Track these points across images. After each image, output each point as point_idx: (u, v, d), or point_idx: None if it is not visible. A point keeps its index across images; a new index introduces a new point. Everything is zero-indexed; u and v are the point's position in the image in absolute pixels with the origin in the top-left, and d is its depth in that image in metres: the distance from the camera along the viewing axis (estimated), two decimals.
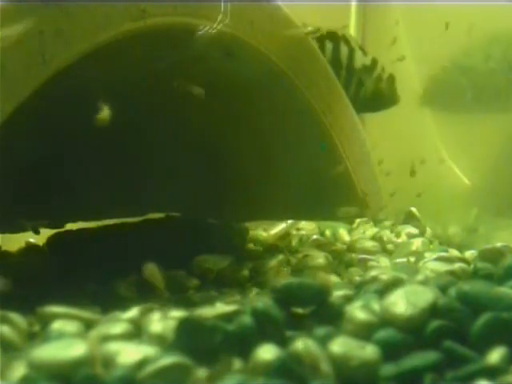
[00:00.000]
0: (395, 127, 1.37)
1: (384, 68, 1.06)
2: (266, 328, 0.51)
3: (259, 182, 0.98)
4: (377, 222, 1.14)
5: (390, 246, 0.99)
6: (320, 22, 1.00)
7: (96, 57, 0.69)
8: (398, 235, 1.04)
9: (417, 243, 0.95)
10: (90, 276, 0.85)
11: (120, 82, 0.81)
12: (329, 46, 1.02)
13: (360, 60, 1.04)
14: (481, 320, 0.52)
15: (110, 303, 0.65)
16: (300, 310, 0.55)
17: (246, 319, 0.51)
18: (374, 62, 1.05)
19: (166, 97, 0.88)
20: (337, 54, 1.03)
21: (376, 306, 0.54)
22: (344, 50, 1.03)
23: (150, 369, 0.47)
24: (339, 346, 0.50)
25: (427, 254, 0.87)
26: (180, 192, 1.01)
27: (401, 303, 0.53)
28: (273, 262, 0.92)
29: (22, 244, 1.08)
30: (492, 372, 0.49)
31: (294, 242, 1.07)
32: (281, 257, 0.94)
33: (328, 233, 1.13)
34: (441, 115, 1.40)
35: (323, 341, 0.50)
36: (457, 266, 0.71)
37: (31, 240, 1.09)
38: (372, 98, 1.05)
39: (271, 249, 1.02)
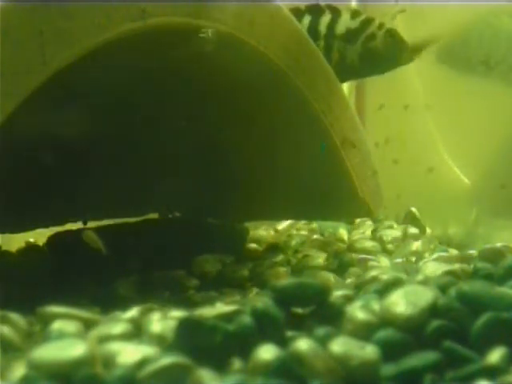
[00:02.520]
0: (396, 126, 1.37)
1: (382, 24, 1.00)
2: (266, 328, 0.51)
3: (259, 181, 0.98)
4: (377, 222, 1.14)
5: (390, 246, 0.99)
6: None
7: (96, 57, 0.69)
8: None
9: (417, 243, 0.95)
10: (90, 276, 0.85)
11: (120, 82, 0.81)
12: (307, 19, 1.00)
13: (345, 25, 1.01)
14: (481, 320, 0.52)
15: (109, 303, 0.65)
16: (300, 310, 0.55)
17: (246, 319, 0.51)
18: (366, 21, 1.00)
19: (167, 97, 0.88)
20: (315, 25, 1.00)
21: (376, 306, 0.54)
22: (325, 19, 1.00)
23: (150, 369, 0.47)
24: (339, 345, 0.49)
25: (427, 254, 0.87)
26: (180, 192, 1.01)
27: (401, 303, 0.53)
28: (273, 262, 0.92)
29: (22, 244, 1.08)
30: (492, 372, 0.49)
31: (294, 242, 1.07)
32: (281, 257, 0.94)
33: (328, 233, 1.12)
34: (454, 75, 1.35)
35: (323, 341, 0.50)
36: (457, 266, 0.71)
37: (31, 240, 1.09)
38: (362, 60, 1.00)
39: (271, 249, 1.02)
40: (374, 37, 0.99)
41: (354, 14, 1.01)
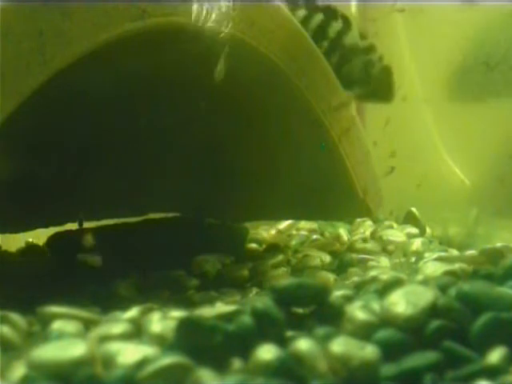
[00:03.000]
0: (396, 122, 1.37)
1: (382, 58, 1.02)
2: (266, 328, 0.51)
3: (259, 181, 0.98)
4: (377, 222, 1.14)
5: (390, 246, 0.99)
6: None
7: (96, 57, 0.69)
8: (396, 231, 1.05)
9: (417, 243, 0.95)
10: (90, 276, 0.85)
11: (120, 82, 0.81)
12: (319, 17, 1.01)
13: (352, 39, 1.02)
14: (481, 320, 0.52)
15: (109, 303, 0.65)
16: (300, 310, 0.55)
17: (246, 319, 0.51)
18: (371, 48, 1.02)
19: (166, 97, 0.88)
20: (326, 25, 1.01)
21: (376, 306, 0.54)
22: (336, 25, 1.02)
23: (150, 369, 0.47)
24: (339, 345, 0.49)
25: (427, 254, 0.87)
26: (180, 192, 1.01)
27: (401, 303, 0.53)
28: (273, 262, 0.92)
29: (22, 244, 1.08)
30: (492, 372, 0.49)
31: (294, 242, 1.07)
32: (281, 257, 0.94)
33: (328, 233, 1.12)
34: (470, 107, 1.35)
35: (323, 341, 0.50)
36: (457, 266, 0.71)
37: (31, 240, 1.09)
38: (355, 78, 1.02)
39: (271, 249, 1.02)
40: (373, 65, 1.01)
41: (363, 35, 1.03)
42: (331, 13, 1.01)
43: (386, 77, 1.02)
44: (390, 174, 1.12)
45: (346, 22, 1.02)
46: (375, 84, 1.02)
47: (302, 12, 1.00)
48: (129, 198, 1.04)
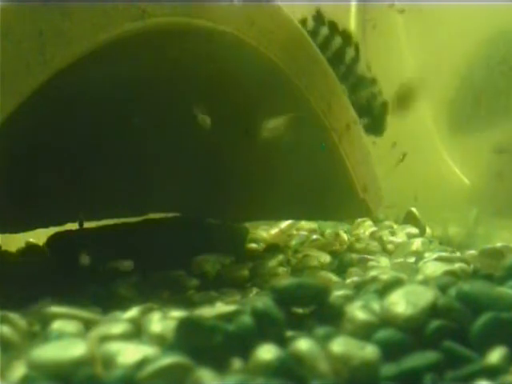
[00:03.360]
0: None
1: (381, 92, 1.06)
2: (266, 328, 0.51)
3: (259, 181, 0.98)
4: (377, 222, 1.14)
5: (390, 246, 0.99)
6: None
7: (96, 57, 0.69)
8: (394, 233, 1.05)
9: (417, 243, 0.95)
10: (89, 276, 0.85)
11: (120, 82, 0.81)
12: (338, 41, 1.02)
13: (362, 69, 1.04)
14: (481, 320, 0.52)
15: (109, 303, 0.65)
16: (300, 310, 0.55)
17: (246, 319, 0.51)
18: (374, 81, 1.05)
19: (166, 97, 0.88)
20: (343, 52, 1.02)
21: (376, 305, 0.54)
22: (350, 52, 1.03)
23: (150, 369, 0.47)
24: (339, 345, 0.50)
25: (427, 254, 0.87)
26: (180, 192, 1.01)
27: (401, 303, 0.53)
28: (273, 262, 0.92)
29: (22, 244, 1.08)
30: (492, 372, 0.49)
31: (294, 242, 1.07)
32: (281, 257, 0.94)
33: (328, 233, 1.13)
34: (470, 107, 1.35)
35: (323, 341, 0.50)
36: (457, 266, 0.71)
37: (31, 240, 1.09)
38: (364, 109, 1.04)
39: (271, 249, 1.02)
40: (375, 98, 1.03)
41: (368, 67, 1.04)
42: (347, 37, 1.03)
43: (382, 112, 1.05)
44: (402, 161, 1.14)
45: (357, 50, 1.04)
46: (374, 115, 1.04)
47: (324, 31, 1.01)
48: (129, 198, 1.04)
